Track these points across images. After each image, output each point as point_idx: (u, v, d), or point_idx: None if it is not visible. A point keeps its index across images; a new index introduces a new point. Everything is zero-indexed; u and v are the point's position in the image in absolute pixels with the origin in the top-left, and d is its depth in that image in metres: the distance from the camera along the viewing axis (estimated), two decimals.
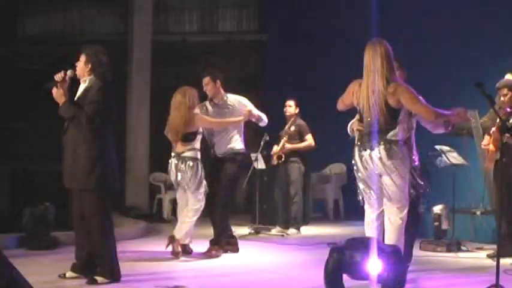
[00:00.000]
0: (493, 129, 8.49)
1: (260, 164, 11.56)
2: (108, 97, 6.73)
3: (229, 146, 8.97)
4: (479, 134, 9.60)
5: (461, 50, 11.62)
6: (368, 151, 6.34)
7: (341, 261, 4.99)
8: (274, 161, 11.26)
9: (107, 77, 6.81)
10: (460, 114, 6.49)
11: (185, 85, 9.06)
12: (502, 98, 8.70)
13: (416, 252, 8.99)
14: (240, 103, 9.12)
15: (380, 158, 6.27)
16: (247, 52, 16.23)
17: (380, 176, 6.38)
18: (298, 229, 11.40)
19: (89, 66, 6.79)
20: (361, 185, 6.52)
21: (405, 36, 11.73)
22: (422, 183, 6.79)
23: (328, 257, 5.20)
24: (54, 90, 6.73)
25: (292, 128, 11.32)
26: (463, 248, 9.26)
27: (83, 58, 6.83)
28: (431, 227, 9.64)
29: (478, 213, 10.06)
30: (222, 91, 9.12)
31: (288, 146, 11.24)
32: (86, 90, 6.77)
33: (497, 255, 6.11)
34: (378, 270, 5.07)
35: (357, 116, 6.58)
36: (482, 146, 8.92)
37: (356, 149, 6.48)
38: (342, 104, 6.67)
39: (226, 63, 15.13)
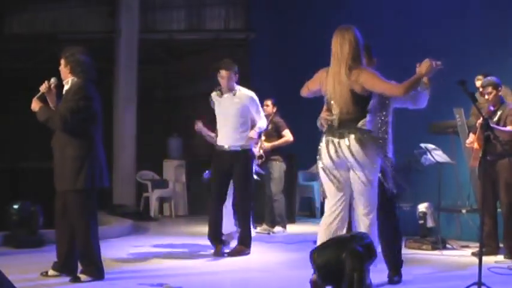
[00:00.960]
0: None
1: None
2: (87, 96, 6.72)
3: None
4: (464, 132, 9.66)
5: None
6: (337, 140, 6.06)
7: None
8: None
9: (88, 76, 6.82)
10: (424, 66, 6.07)
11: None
12: (486, 97, 8.75)
13: (402, 250, 9.04)
14: (248, 100, 9.11)
15: (349, 147, 5.99)
16: (234, 50, 16.20)
17: (348, 169, 6.12)
18: (284, 227, 11.41)
19: (68, 67, 6.83)
20: (322, 176, 6.22)
21: (391, 34, 11.80)
22: (397, 182, 6.51)
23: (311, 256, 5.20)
24: (33, 101, 6.78)
25: (269, 126, 11.32)
26: (448, 246, 9.30)
27: (62, 61, 6.89)
28: (417, 225, 9.65)
29: (464, 211, 10.07)
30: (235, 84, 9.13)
31: (267, 144, 11.25)
32: (67, 91, 6.80)
33: (480, 253, 6.13)
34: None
35: (325, 107, 6.31)
36: (467, 144, 8.96)
37: (324, 137, 6.19)
38: (306, 90, 6.43)
39: (213, 61, 15.08)
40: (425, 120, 10.12)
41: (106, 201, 13.53)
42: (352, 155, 6.00)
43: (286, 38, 14.88)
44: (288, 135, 11.37)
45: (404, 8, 12.23)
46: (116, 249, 9.07)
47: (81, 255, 6.80)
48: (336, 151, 6.05)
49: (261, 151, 11.24)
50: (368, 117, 6.13)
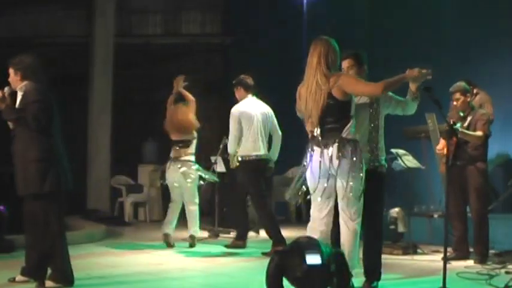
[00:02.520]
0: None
1: (220, 167, 11.55)
2: (45, 98, 6.71)
3: None
4: (436, 137, 9.68)
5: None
6: (320, 149, 6.11)
7: (282, 265, 4.96)
8: (233, 164, 11.23)
9: (39, 79, 6.80)
10: (413, 71, 6.15)
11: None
12: (454, 103, 8.78)
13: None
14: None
15: (332, 157, 6.03)
16: (211, 55, 16.21)
17: (333, 178, 6.13)
18: (257, 232, 11.40)
19: (18, 74, 6.82)
20: (309, 183, 6.25)
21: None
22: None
23: (269, 261, 5.20)
24: None
25: None
26: (419, 250, 9.31)
27: (10, 71, 6.88)
28: (389, 230, 9.66)
29: (436, 216, 10.13)
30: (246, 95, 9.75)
31: None
32: (23, 96, 6.76)
33: (444, 258, 6.16)
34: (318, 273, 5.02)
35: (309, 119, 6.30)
36: (437, 150, 8.99)
37: (308, 146, 6.23)
38: (299, 112, 6.47)
39: (190, 66, 15.11)
40: (399, 125, 10.13)
41: (80, 206, 13.49)
42: (335, 164, 6.04)
43: (264, 43, 14.89)
44: None
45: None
46: (87, 255, 9.03)
47: (48, 261, 6.74)
48: (320, 160, 6.10)
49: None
50: (351, 123, 6.14)
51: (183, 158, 10.00)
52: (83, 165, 14.24)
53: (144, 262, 8.81)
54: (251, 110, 9.60)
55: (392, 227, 9.58)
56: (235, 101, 11.34)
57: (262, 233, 11.50)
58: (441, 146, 8.89)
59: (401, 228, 9.55)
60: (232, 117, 9.61)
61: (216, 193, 12.04)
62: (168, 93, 10.25)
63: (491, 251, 8.91)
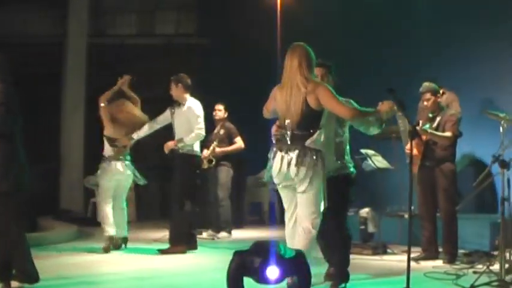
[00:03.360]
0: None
1: None
2: (10, 99, 6.65)
3: None
4: (406, 138, 9.68)
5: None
6: (282, 154, 6.10)
7: (243, 265, 4.96)
8: (205, 165, 11.25)
9: (5, 79, 6.73)
10: (386, 106, 6.26)
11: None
12: (425, 103, 8.81)
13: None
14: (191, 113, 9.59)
15: (290, 163, 6.04)
16: (186, 55, 16.17)
17: (293, 182, 6.12)
18: (229, 232, 11.41)
19: None
20: (277, 187, 6.31)
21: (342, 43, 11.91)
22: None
23: (231, 261, 5.19)
24: None
25: (222, 132, 11.40)
26: (389, 251, 9.34)
27: None
28: (358, 230, 9.70)
29: (406, 216, 10.15)
30: (184, 95, 9.63)
31: (218, 149, 11.26)
32: None
33: (408, 259, 6.15)
34: (276, 275, 5.04)
35: (277, 122, 6.34)
36: (406, 150, 9.00)
37: (273, 149, 6.22)
38: (266, 111, 6.50)
39: (165, 66, 15.06)
40: None
41: (53, 207, 13.43)
42: (292, 171, 6.04)
43: (239, 43, 14.89)
44: (239, 143, 11.43)
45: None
46: (57, 255, 9.02)
47: (11, 261, 6.68)
48: (281, 164, 6.10)
49: (211, 156, 11.25)
50: (318, 133, 6.12)
51: (122, 157, 9.86)
52: (55, 166, 14.19)
53: (113, 262, 8.80)
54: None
55: (362, 227, 9.63)
56: (211, 102, 11.42)
57: (236, 233, 11.54)
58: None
59: (371, 229, 9.60)
60: (201, 115, 9.61)
61: None
62: (142, 93, 10.19)
63: (461, 251, 8.95)
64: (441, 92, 9.77)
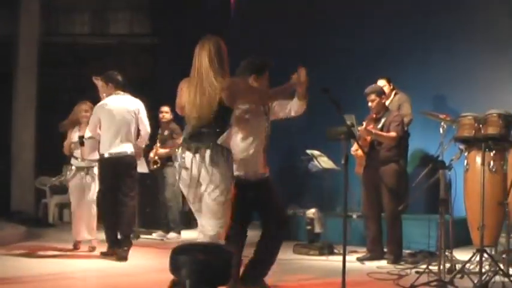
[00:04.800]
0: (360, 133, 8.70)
1: (142, 168, 11.46)
2: None
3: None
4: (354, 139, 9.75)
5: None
6: (191, 154, 5.65)
7: (175, 264, 4.96)
8: (151, 166, 11.23)
9: None
10: (298, 78, 6.02)
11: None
12: (370, 104, 8.87)
13: (289, 255, 9.10)
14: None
15: (201, 163, 5.60)
16: (139, 55, 16.11)
17: (200, 183, 5.67)
18: (179, 233, 11.38)
19: None
20: (184, 191, 5.80)
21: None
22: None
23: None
24: None
25: (166, 133, 11.37)
26: (336, 251, 9.39)
27: None
28: (305, 230, 9.74)
29: (354, 216, 10.21)
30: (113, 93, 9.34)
31: (161, 150, 11.25)
32: None
33: (343, 259, 6.19)
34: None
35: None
36: (352, 152, 9.05)
37: (180, 150, 5.77)
38: (180, 109, 5.96)
39: (117, 66, 14.96)
40: (322, 126, 10.20)
41: (4, 207, 13.31)
42: (204, 171, 5.63)
43: (191, 43, 14.83)
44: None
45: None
46: (2, 257, 8.97)
47: None
48: (191, 164, 5.66)
49: (156, 157, 11.23)
50: (228, 131, 5.81)
51: (89, 158, 9.76)
52: (6, 166, 14.06)
53: (51, 262, 8.78)
54: None
55: (309, 227, 9.65)
56: (160, 101, 11.37)
57: (185, 234, 11.50)
58: (356, 147, 8.97)
59: (317, 229, 9.63)
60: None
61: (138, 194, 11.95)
62: (94, 93, 10.07)
63: (406, 251, 9.02)
64: (394, 92, 9.92)
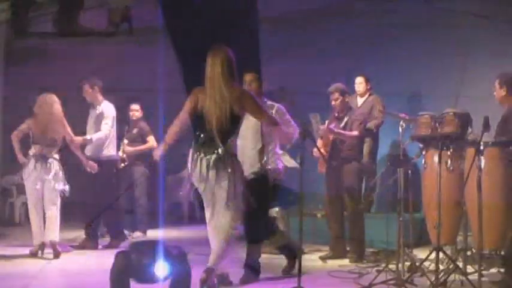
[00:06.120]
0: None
1: None
2: None
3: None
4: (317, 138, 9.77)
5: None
6: (201, 156, 6.13)
7: (127, 265, 4.95)
8: (119, 165, 11.18)
9: None
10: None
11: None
12: (333, 102, 8.88)
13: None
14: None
15: (209, 165, 6.10)
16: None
17: (211, 184, 6.20)
18: (144, 232, 11.34)
19: None
20: (200, 189, 6.34)
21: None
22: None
23: (113, 261, 5.16)
24: None
25: (134, 131, 11.33)
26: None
27: None
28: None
29: (319, 215, 10.22)
30: (98, 97, 9.98)
31: (129, 149, 11.21)
32: None
33: (299, 258, 6.21)
34: (164, 273, 5.05)
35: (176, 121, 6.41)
36: (314, 152, 9.04)
37: (191, 150, 6.25)
38: (187, 113, 6.30)
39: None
40: None
41: None
42: (212, 172, 6.12)
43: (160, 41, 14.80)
44: (151, 141, 11.31)
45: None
46: None
47: None
48: (201, 166, 6.13)
49: (124, 155, 11.18)
50: (235, 137, 6.39)
51: (51, 157, 9.64)
52: None
53: (12, 263, 8.89)
54: None
55: None
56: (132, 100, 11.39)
57: (150, 233, 11.46)
58: (319, 145, 8.96)
59: (281, 228, 9.59)
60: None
61: None
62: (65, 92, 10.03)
63: (369, 250, 9.05)
64: (368, 93, 9.97)
